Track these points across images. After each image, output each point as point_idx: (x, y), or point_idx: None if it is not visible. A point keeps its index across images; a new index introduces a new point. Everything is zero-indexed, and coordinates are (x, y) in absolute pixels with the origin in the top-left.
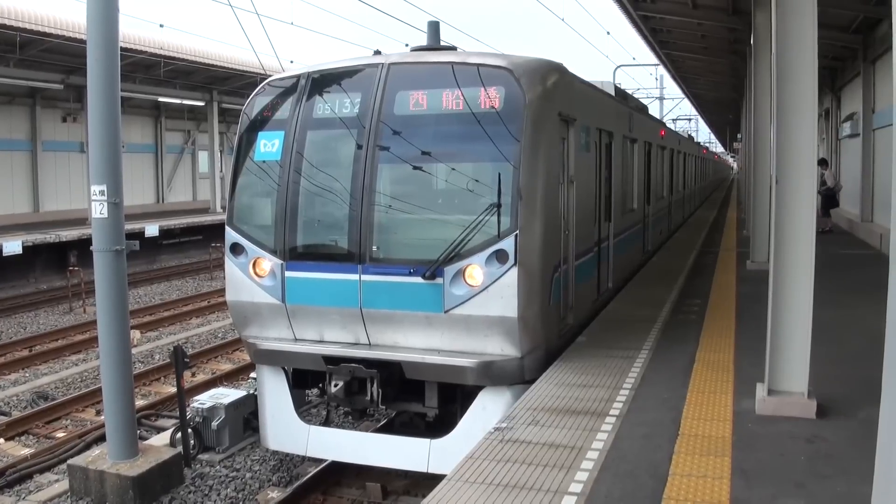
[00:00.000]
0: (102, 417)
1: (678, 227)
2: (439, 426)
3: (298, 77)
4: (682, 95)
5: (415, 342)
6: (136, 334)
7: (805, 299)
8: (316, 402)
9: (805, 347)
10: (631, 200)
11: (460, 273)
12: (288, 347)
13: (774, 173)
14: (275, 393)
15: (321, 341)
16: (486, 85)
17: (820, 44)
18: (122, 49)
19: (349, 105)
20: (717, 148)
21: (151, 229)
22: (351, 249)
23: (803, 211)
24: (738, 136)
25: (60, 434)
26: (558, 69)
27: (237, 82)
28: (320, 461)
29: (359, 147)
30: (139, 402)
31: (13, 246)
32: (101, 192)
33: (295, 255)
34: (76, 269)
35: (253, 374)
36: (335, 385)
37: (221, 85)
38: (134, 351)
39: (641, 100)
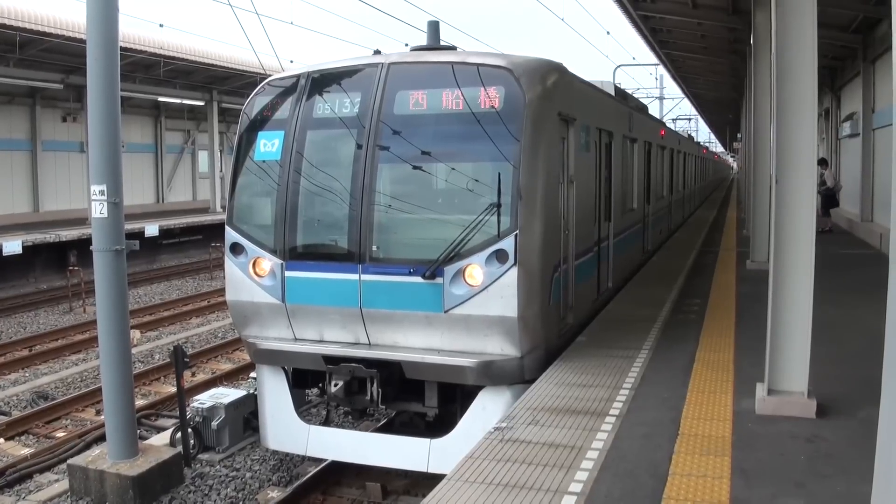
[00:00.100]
0: (102, 417)
1: (678, 226)
2: (439, 426)
3: (298, 77)
4: (682, 95)
5: (415, 342)
6: (136, 334)
7: (805, 299)
8: (316, 401)
9: (805, 347)
10: (631, 200)
11: (460, 273)
12: (288, 347)
13: (774, 173)
14: (275, 393)
15: (321, 341)
16: (486, 85)
17: (820, 43)
18: (122, 49)
19: (349, 105)
20: (717, 148)
21: (151, 229)
22: (351, 249)
23: (803, 211)
24: (738, 135)
25: (60, 434)
26: (558, 69)
27: (237, 82)
28: (320, 461)
29: (358, 147)
30: (139, 402)
31: (13, 246)
32: (101, 192)
33: (295, 255)
34: (76, 268)
35: (253, 374)
36: (335, 385)
37: (221, 85)
38: (134, 351)
39: (641, 99)
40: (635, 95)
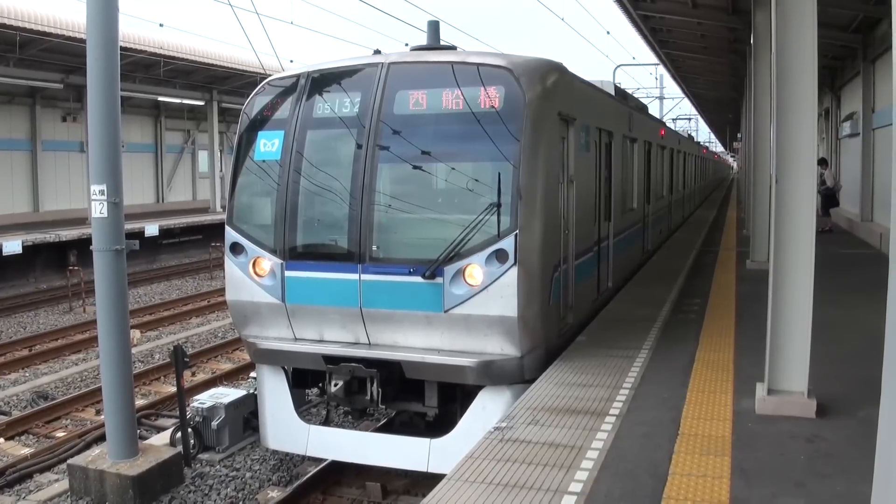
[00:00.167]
0: (102, 417)
1: (678, 226)
2: (439, 426)
3: (298, 76)
4: (682, 95)
5: (415, 342)
6: (135, 334)
7: (805, 299)
8: (316, 401)
9: (805, 347)
10: (631, 200)
11: (460, 272)
12: (288, 347)
13: (774, 173)
14: (275, 392)
15: (321, 341)
16: (486, 84)
17: (820, 43)
18: (122, 48)
19: (349, 104)
20: (717, 147)
21: (151, 229)
22: (351, 249)
23: (803, 210)
24: (738, 135)
25: (60, 434)
26: (558, 69)
27: (237, 82)
28: (320, 461)
29: (358, 146)
30: (139, 402)
31: (13, 245)
32: (101, 192)
33: (295, 255)
34: (76, 268)
35: (253, 374)
36: (335, 384)
37: (221, 84)
38: (134, 350)
39: (641, 99)
40: (635, 95)
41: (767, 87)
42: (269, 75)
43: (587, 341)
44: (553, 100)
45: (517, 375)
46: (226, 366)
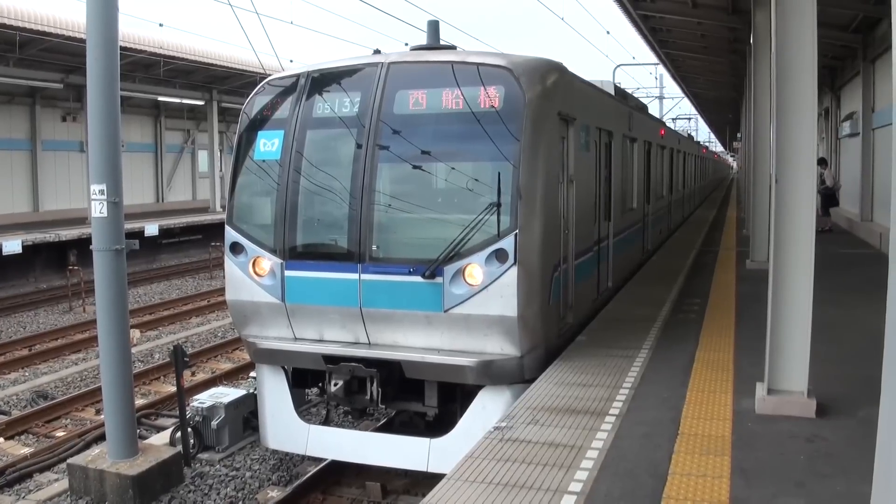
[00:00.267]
0: (102, 417)
1: (678, 226)
2: (439, 425)
3: (298, 76)
4: (682, 95)
5: (414, 341)
6: (135, 333)
7: (805, 299)
8: (316, 401)
9: (805, 347)
10: (630, 199)
11: (460, 272)
12: (288, 346)
13: (774, 173)
14: (274, 392)
15: (321, 340)
16: (486, 84)
17: (819, 43)
18: (122, 48)
19: (349, 104)
20: (717, 147)
21: (151, 228)
22: (351, 249)
23: (803, 210)
24: (738, 135)
25: (60, 433)
26: (558, 68)
27: (237, 82)
28: (320, 460)
29: (358, 146)
30: (139, 402)
31: (13, 245)
32: (101, 192)
33: (295, 255)
34: (76, 268)
35: (252, 374)
36: (335, 384)
37: (221, 84)
38: (133, 350)
39: (641, 99)
40: (635, 95)
41: (767, 87)
42: (269, 75)
43: (587, 341)
44: (553, 100)
45: (517, 375)
46: (226, 365)
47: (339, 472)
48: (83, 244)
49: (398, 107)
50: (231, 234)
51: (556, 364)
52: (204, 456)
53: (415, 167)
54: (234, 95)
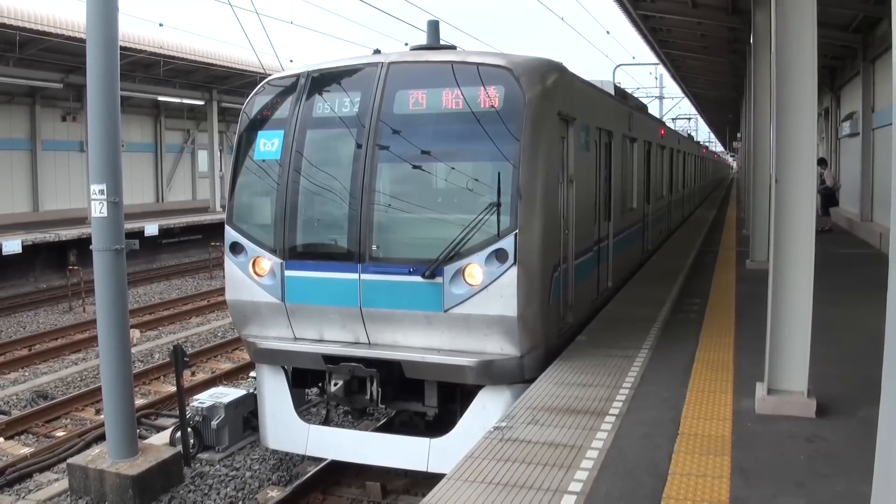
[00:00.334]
0: (102, 416)
1: (678, 226)
2: (439, 425)
3: (298, 76)
4: (682, 95)
5: (414, 341)
6: (135, 333)
7: (804, 299)
8: (316, 401)
9: (805, 347)
10: (630, 199)
11: (460, 272)
12: (288, 346)
13: (774, 173)
14: (274, 392)
15: (321, 340)
16: (486, 84)
17: (819, 43)
18: (122, 48)
19: (349, 104)
20: (717, 147)
21: (151, 228)
22: (350, 248)
23: (803, 210)
24: (738, 135)
25: (60, 433)
26: (558, 68)
27: (237, 81)
28: (320, 460)
29: (358, 146)
30: (139, 402)
31: (13, 245)
32: (101, 192)
33: (294, 255)
34: (76, 268)
35: (252, 374)
36: (335, 384)
37: (221, 84)
38: (133, 350)
39: (641, 99)
40: (635, 95)
41: (767, 87)
42: (269, 75)
43: (587, 341)
44: (553, 99)
45: (517, 375)
46: (225, 365)
47: (339, 472)
48: (83, 244)
49: (398, 107)
50: (231, 234)
51: (556, 364)
52: (204, 456)
53: (415, 167)
54: (234, 95)
